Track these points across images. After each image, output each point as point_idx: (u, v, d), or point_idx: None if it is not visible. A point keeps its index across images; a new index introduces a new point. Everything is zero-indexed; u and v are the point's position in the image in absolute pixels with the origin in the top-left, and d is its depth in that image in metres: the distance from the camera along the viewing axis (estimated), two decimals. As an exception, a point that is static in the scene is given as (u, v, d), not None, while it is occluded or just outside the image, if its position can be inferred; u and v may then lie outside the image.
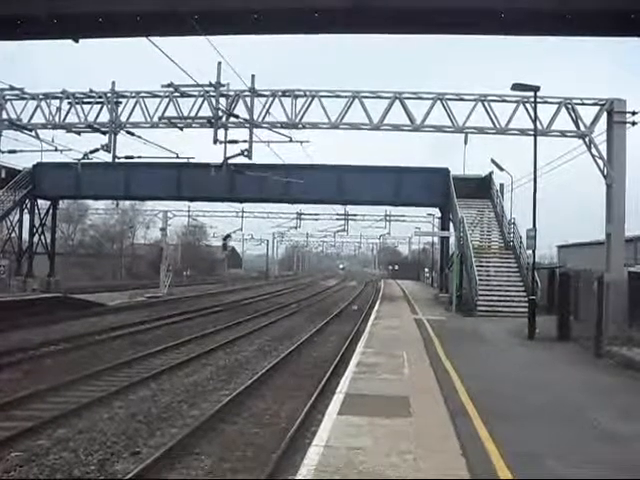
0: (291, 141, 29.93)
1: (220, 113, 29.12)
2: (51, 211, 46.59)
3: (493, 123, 28.89)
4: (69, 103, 30.92)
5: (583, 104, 28.33)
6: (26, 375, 16.37)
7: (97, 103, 30.77)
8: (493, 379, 13.61)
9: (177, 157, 30.96)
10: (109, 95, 30.45)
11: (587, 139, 27.78)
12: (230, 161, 29.99)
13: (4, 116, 31.18)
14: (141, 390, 14.93)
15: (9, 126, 31.11)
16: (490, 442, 8.59)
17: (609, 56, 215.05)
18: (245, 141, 29.12)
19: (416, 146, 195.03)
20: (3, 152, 31.58)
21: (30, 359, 18.75)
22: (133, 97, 30.71)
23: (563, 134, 28.51)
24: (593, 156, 27.52)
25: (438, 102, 29.11)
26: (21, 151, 32.03)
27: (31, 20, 21.32)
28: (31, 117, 31.22)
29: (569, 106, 28.17)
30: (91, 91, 30.67)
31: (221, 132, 29.15)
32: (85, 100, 30.91)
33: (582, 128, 28.03)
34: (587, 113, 28.18)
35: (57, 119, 31.08)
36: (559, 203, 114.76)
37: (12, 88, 30.46)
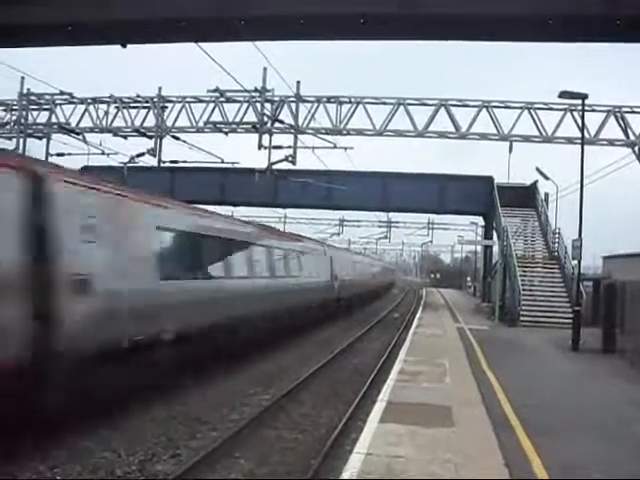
0: (335, 147, 29.93)
1: (265, 118, 29.32)
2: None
3: (539, 131, 28.60)
4: (116, 107, 31.51)
5: (633, 112, 27.86)
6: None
7: (144, 108, 31.28)
8: (536, 390, 13.40)
9: (222, 162, 31.26)
10: (155, 100, 30.94)
11: (636, 148, 27.29)
12: (274, 166, 30.16)
13: (53, 120, 31.82)
14: (182, 393, 14.97)
15: (58, 130, 31.75)
16: (533, 453, 8.46)
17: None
18: (289, 147, 29.28)
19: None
20: (52, 155, 32.14)
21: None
22: (179, 102, 31.13)
23: (611, 143, 28.07)
24: (642, 165, 27.06)
25: (483, 109, 28.94)
26: (69, 154, 32.52)
27: (81, 26, 21.73)
28: (79, 121, 31.93)
29: (618, 114, 27.74)
30: (138, 96, 31.21)
31: (266, 137, 29.40)
32: (132, 105, 31.50)
33: (631, 137, 27.56)
34: (637, 122, 27.75)
35: (104, 123, 31.66)
36: (604, 213, 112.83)
37: (62, 93, 31.10)
